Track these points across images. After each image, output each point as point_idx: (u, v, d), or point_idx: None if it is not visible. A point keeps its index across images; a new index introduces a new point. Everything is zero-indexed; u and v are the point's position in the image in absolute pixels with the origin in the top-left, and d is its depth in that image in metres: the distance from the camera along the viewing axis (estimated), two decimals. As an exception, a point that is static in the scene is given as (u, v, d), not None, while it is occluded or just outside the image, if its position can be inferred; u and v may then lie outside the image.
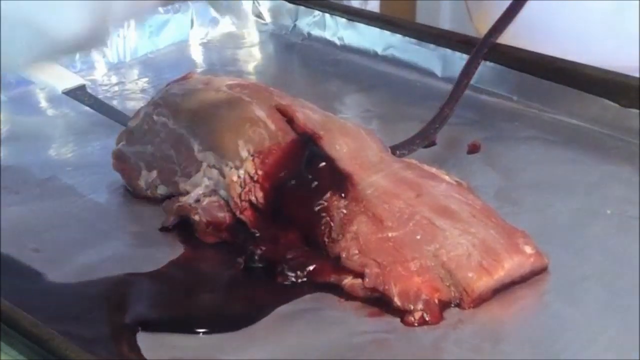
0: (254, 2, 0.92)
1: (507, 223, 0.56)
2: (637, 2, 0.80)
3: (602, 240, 0.59)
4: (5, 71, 0.46)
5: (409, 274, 0.53)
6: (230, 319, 0.53)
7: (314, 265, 0.55)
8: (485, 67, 0.76)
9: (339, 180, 0.57)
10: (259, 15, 0.92)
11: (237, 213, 0.59)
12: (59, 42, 0.45)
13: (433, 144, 0.69)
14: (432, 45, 0.81)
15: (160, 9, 0.87)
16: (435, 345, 0.51)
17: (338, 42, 0.87)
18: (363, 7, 1.05)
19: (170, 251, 0.59)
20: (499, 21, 0.77)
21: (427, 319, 0.52)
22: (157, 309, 0.55)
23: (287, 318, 0.53)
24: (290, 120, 0.60)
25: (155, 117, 0.64)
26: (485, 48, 0.75)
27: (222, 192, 0.60)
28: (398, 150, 0.64)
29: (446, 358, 0.50)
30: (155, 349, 0.51)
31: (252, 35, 0.92)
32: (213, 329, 0.52)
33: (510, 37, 0.78)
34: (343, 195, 0.56)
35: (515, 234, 0.55)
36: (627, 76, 0.72)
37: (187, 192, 0.61)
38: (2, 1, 0.43)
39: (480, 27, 0.87)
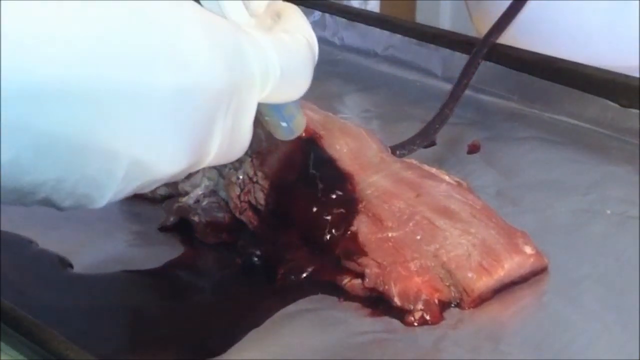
0: (254, 3, 0.92)
1: (507, 223, 0.56)
2: (637, 2, 0.80)
3: (602, 240, 0.59)
4: (93, 204, 0.42)
5: (409, 274, 0.53)
6: (227, 331, 0.53)
7: (314, 266, 0.55)
8: (485, 67, 0.75)
9: (340, 181, 0.57)
10: (259, 16, 0.92)
11: (237, 214, 0.59)
12: (156, 179, 0.43)
13: (433, 144, 0.69)
14: (432, 45, 0.81)
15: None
16: (435, 345, 0.51)
17: (338, 42, 0.87)
18: (363, 7, 1.05)
19: (170, 251, 0.59)
20: (499, 21, 0.77)
21: (427, 319, 0.52)
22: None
23: (287, 318, 0.53)
24: (290, 120, 0.60)
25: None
26: (485, 48, 0.75)
27: (222, 193, 0.60)
28: (398, 150, 0.64)
29: (446, 358, 0.50)
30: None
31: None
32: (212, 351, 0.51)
33: (510, 37, 0.78)
34: (343, 195, 0.56)
35: (515, 234, 0.55)
36: (627, 76, 0.72)
37: (187, 193, 0.61)
38: (104, 132, 0.40)
39: (480, 27, 0.87)
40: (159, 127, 0.41)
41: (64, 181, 0.40)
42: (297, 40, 0.48)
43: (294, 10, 0.50)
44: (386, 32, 0.84)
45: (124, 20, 0.39)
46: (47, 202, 0.41)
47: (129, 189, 0.42)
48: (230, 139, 0.45)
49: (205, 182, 0.61)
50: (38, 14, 0.37)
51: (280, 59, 0.46)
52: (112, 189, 0.41)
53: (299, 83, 0.48)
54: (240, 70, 0.44)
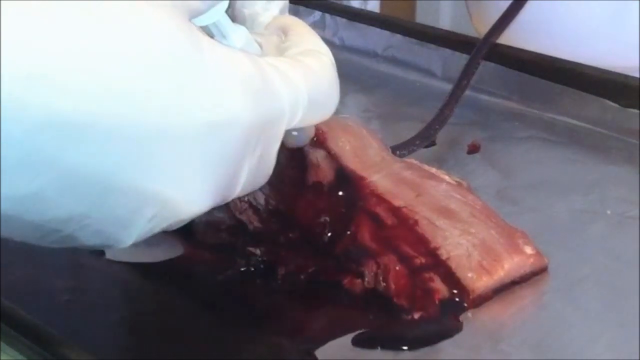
0: (254, 3, 0.92)
1: (507, 223, 0.56)
2: (637, 2, 0.80)
3: (602, 240, 0.59)
4: (119, 243, 0.41)
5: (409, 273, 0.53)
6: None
7: (314, 266, 0.55)
8: (485, 67, 0.76)
9: (341, 179, 0.57)
10: (259, 16, 0.92)
11: (237, 214, 0.59)
12: (183, 219, 0.42)
13: (433, 144, 0.69)
14: (432, 45, 0.81)
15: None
16: (436, 345, 0.51)
17: (338, 42, 0.87)
18: (363, 7, 1.05)
19: (170, 251, 0.59)
20: (499, 21, 0.77)
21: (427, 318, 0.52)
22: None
23: (287, 318, 0.53)
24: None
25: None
26: (485, 48, 0.75)
27: (222, 192, 0.60)
28: (398, 150, 0.64)
29: (446, 358, 0.50)
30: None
31: (252, 35, 0.92)
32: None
33: (510, 37, 0.78)
34: (344, 194, 0.56)
35: (515, 234, 0.55)
36: (627, 76, 0.72)
37: (187, 192, 0.61)
38: (131, 172, 0.39)
39: (480, 27, 0.87)
40: (189, 165, 0.40)
41: (89, 218, 0.39)
42: (322, 62, 0.47)
43: (300, 24, 0.50)
44: (386, 32, 0.84)
45: (154, 58, 0.38)
46: (72, 240, 0.40)
47: (156, 229, 0.41)
48: (256, 170, 0.45)
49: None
50: (68, 47, 0.36)
51: (308, 86, 0.45)
52: (139, 228, 0.40)
53: (326, 106, 0.48)
54: (270, 104, 0.43)
